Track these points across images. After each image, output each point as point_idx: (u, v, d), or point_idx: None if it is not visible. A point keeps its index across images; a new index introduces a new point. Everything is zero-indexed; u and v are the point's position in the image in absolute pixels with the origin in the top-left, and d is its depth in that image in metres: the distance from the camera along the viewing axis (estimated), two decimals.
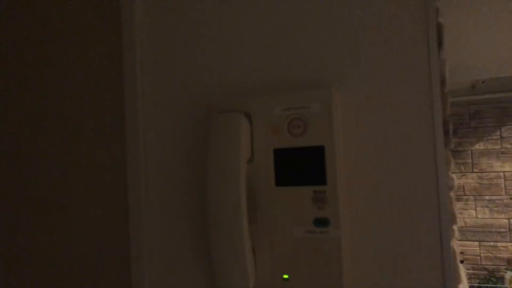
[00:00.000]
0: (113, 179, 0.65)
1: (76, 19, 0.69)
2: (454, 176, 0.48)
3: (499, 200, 2.97)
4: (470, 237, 3.02)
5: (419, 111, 0.49)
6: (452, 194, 0.47)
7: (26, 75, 0.72)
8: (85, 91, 0.68)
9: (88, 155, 0.67)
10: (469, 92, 2.86)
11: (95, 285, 0.66)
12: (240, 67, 0.58)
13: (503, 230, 2.96)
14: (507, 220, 2.95)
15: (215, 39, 0.59)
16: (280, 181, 0.51)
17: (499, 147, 2.98)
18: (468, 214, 3.04)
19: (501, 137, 2.98)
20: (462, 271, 0.49)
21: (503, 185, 2.97)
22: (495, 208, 2.98)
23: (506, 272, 2.86)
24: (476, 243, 3.02)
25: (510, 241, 2.94)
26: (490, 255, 2.99)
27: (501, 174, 2.97)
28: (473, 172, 3.04)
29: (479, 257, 3.01)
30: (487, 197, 3.00)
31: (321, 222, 0.49)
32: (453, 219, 0.47)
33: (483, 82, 2.68)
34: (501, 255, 2.96)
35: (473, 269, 3.00)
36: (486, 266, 2.99)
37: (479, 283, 2.89)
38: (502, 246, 2.96)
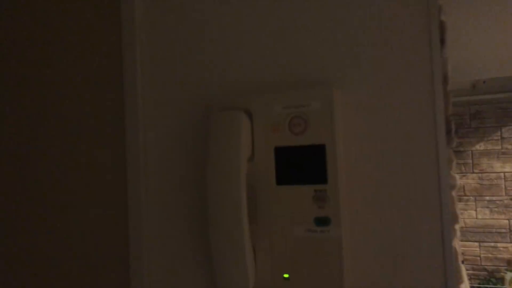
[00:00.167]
0: (113, 179, 0.65)
1: (76, 19, 0.69)
2: (456, 175, 0.48)
3: (500, 200, 2.97)
4: (470, 237, 3.01)
5: (421, 110, 0.49)
6: (454, 193, 0.47)
7: (26, 75, 0.72)
8: (85, 91, 0.67)
9: (88, 155, 0.67)
10: (469, 92, 2.86)
11: (94, 285, 0.66)
12: (240, 66, 0.58)
13: (503, 230, 2.95)
14: (507, 221, 2.94)
15: (216, 38, 0.59)
16: (281, 180, 0.51)
17: (499, 147, 2.98)
18: (468, 215, 3.03)
19: (502, 138, 2.98)
20: (464, 271, 0.49)
21: (503, 186, 2.96)
22: (495, 209, 2.98)
23: (506, 273, 2.85)
24: (476, 243, 3.01)
25: (510, 242, 2.93)
26: (490, 255, 2.98)
27: (502, 174, 2.97)
28: (473, 172, 3.04)
29: (479, 258, 3.01)
30: (487, 198, 3.00)
31: (322, 221, 0.49)
32: (454, 219, 0.47)
33: (484, 82, 2.68)
34: (501, 256, 2.95)
35: (473, 269, 2.99)
36: (486, 267, 2.99)
37: (478, 283, 2.88)
38: (502, 247, 2.95)
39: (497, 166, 2.98)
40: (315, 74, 0.54)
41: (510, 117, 2.96)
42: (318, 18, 0.54)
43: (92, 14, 0.68)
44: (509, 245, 2.93)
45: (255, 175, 0.52)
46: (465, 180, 3.03)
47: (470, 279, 2.95)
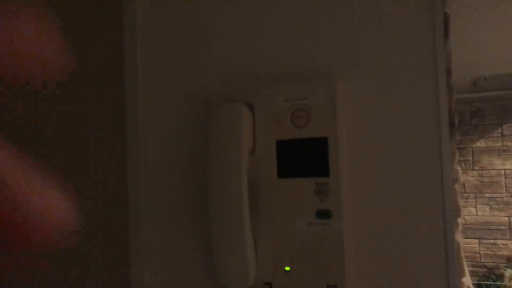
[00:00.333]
0: (114, 177, 0.64)
1: (77, 19, 0.68)
2: (459, 168, 0.47)
3: (500, 198, 2.97)
4: (470, 234, 3.02)
5: (425, 103, 0.48)
6: (456, 186, 0.47)
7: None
8: (86, 91, 0.67)
9: (89, 154, 0.66)
10: (470, 90, 2.86)
11: (95, 285, 0.65)
12: (242, 58, 0.57)
13: (503, 228, 2.96)
14: (507, 218, 2.95)
15: (217, 30, 0.59)
16: (283, 172, 0.51)
17: (500, 144, 2.98)
18: (468, 212, 3.04)
19: (502, 135, 2.97)
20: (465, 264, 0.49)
21: (503, 183, 2.96)
22: (495, 206, 2.98)
23: (505, 270, 2.86)
24: (476, 240, 3.02)
25: (510, 239, 2.94)
26: (489, 252, 2.99)
27: (502, 172, 2.97)
28: (473, 169, 3.04)
29: (478, 255, 3.01)
30: (487, 195, 3.00)
31: (323, 214, 0.48)
32: (457, 212, 0.47)
33: (485, 79, 2.68)
34: (500, 253, 2.96)
35: (473, 266, 3.00)
36: (486, 264, 2.99)
37: (478, 280, 2.89)
38: (502, 244, 2.95)
39: (498, 163, 2.98)
40: (317, 66, 0.54)
41: (510, 115, 2.96)
42: (321, 10, 0.54)
43: (93, 13, 0.67)
44: (509, 242, 2.93)
45: (257, 168, 0.52)
46: (465, 177, 3.03)
47: (470, 276, 2.95)
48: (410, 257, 0.48)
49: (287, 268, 0.50)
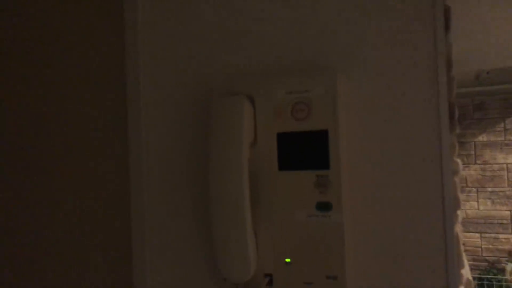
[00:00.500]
0: (116, 177, 0.65)
1: (77, 18, 0.68)
2: (459, 160, 0.47)
3: (502, 192, 2.97)
4: (472, 228, 3.02)
5: (425, 94, 0.48)
6: (456, 178, 0.47)
7: (27, 75, 0.71)
8: (86, 91, 0.67)
9: (89, 153, 0.67)
10: (473, 83, 2.85)
11: (97, 284, 0.66)
12: (243, 51, 0.57)
13: (504, 222, 2.96)
14: (509, 212, 2.95)
15: (218, 22, 0.59)
16: (283, 165, 0.51)
17: (502, 138, 2.97)
18: (470, 206, 3.04)
19: (505, 129, 2.97)
20: (464, 256, 0.49)
21: (505, 177, 2.96)
22: (497, 200, 2.98)
23: (507, 264, 2.87)
24: (478, 234, 3.02)
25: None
26: (491, 246, 2.99)
27: (504, 166, 2.96)
28: (475, 163, 3.03)
29: (480, 249, 3.02)
30: (489, 189, 3.00)
31: (324, 206, 0.49)
32: (457, 204, 0.47)
33: (487, 73, 2.67)
34: (502, 247, 2.96)
35: (474, 260, 3.01)
36: (487, 258, 3.00)
37: (479, 274, 2.90)
38: (504, 238, 2.96)
39: (500, 157, 2.97)
40: (318, 59, 0.54)
41: None
42: (321, 3, 0.53)
43: (94, 13, 0.67)
44: (510, 236, 2.94)
45: (257, 161, 0.52)
46: (467, 171, 3.03)
47: (470, 269, 2.96)
48: (410, 248, 0.49)
49: (287, 260, 0.50)
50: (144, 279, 0.61)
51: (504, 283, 2.77)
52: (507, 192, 2.95)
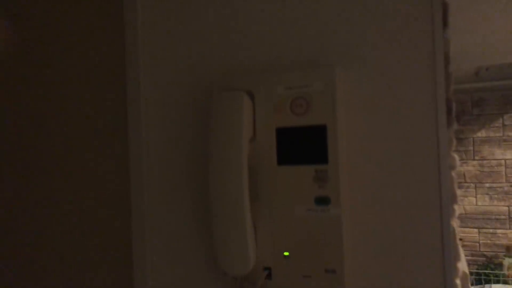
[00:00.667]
0: (116, 177, 0.65)
1: (77, 19, 0.68)
2: (456, 155, 0.48)
3: (500, 187, 2.98)
4: (470, 224, 3.04)
5: (422, 90, 0.49)
6: (453, 173, 0.48)
7: (27, 75, 0.71)
8: (86, 91, 0.67)
9: (90, 152, 0.67)
10: (472, 79, 2.85)
11: (98, 284, 0.66)
12: (243, 47, 0.57)
13: (502, 217, 2.97)
14: (507, 208, 2.96)
15: (217, 20, 0.59)
16: (282, 160, 0.51)
17: (501, 134, 2.98)
18: (468, 201, 3.05)
19: (504, 125, 2.98)
20: (462, 250, 0.49)
21: (503, 173, 2.97)
22: (495, 196, 2.99)
23: (504, 259, 2.88)
24: (476, 230, 3.04)
25: (510, 228, 2.95)
26: (489, 242, 3.01)
27: (502, 161, 2.97)
28: (474, 159, 3.04)
29: (478, 244, 3.03)
30: (487, 185, 3.01)
31: (322, 201, 0.49)
32: (454, 198, 0.47)
33: (486, 69, 2.67)
34: (500, 242, 2.98)
35: (472, 255, 3.02)
36: (485, 253, 3.02)
37: (477, 269, 2.91)
38: (501, 233, 2.97)
39: (498, 153, 2.98)
40: (316, 55, 0.54)
41: None
42: (321, 2, 0.54)
43: (93, 13, 0.67)
44: (508, 231, 2.95)
45: (257, 156, 0.52)
46: (466, 167, 3.04)
47: (468, 264, 2.98)
48: (407, 241, 0.49)
49: (286, 253, 0.51)
50: (144, 279, 0.61)
51: (501, 278, 2.79)
52: (505, 188, 2.97)
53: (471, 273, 2.90)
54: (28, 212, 0.71)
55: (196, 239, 0.59)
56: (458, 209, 0.49)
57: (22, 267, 0.71)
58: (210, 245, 0.58)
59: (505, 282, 2.74)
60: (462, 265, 0.49)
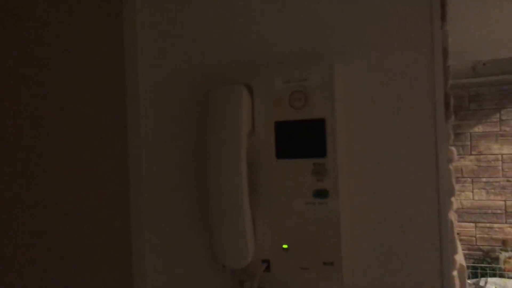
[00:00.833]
0: (115, 177, 0.65)
1: (77, 19, 0.68)
2: (453, 148, 0.48)
3: (496, 182, 3.00)
4: (467, 218, 3.05)
5: (420, 83, 0.49)
6: (451, 166, 0.48)
7: (27, 75, 0.71)
8: (86, 91, 0.67)
9: (89, 152, 0.67)
10: (469, 75, 2.86)
11: (97, 283, 0.66)
12: (241, 40, 0.57)
13: (499, 211, 2.99)
14: (503, 202, 2.98)
15: (215, 13, 0.59)
16: (281, 153, 0.51)
17: (498, 129, 2.99)
18: (465, 196, 3.07)
19: (501, 120, 2.99)
20: (459, 243, 0.50)
21: (500, 168, 2.98)
22: (492, 190, 3.01)
23: (500, 253, 2.90)
24: (472, 224, 3.06)
25: (506, 223, 2.97)
26: (485, 236, 3.03)
27: (499, 156, 2.99)
28: (471, 154, 3.06)
29: (474, 238, 3.05)
30: (484, 179, 3.02)
31: (321, 194, 0.49)
32: (451, 191, 0.48)
33: (484, 64, 2.67)
34: (496, 236, 3.00)
35: (468, 249, 3.05)
36: (481, 247, 3.04)
37: (473, 263, 2.94)
38: (498, 228, 2.99)
39: (495, 148, 2.99)
40: (315, 48, 0.54)
41: (509, 100, 2.96)
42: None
43: (93, 12, 0.67)
44: (504, 225, 2.97)
45: (255, 149, 0.52)
46: (463, 162, 3.05)
47: (465, 258, 3.00)
48: (405, 234, 0.49)
49: (284, 246, 0.51)
50: (144, 279, 0.62)
51: (498, 272, 2.81)
52: (502, 183, 2.98)
53: (467, 267, 2.92)
54: (28, 212, 0.71)
55: (196, 239, 0.60)
56: (455, 203, 0.49)
57: (22, 267, 0.71)
58: (209, 245, 0.58)
59: (501, 276, 2.77)
60: (460, 258, 0.49)
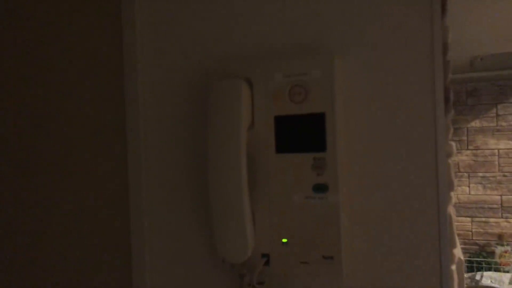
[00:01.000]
0: (115, 177, 0.65)
1: (76, 19, 0.68)
2: (453, 143, 0.48)
3: (493, 177, 3.01)
4: (463, 212, 3.07)
5: (420, 77, 0.49)
6: (450, 161, 0.48)
7: (27, 75, 0.71)
8: (85, 91, 0.67)
9: (89, 154, 0.67)
10: (467, 70, 2.86)
11: (97, 283, 0.66)
12: (241, 35, 0.57)
13: (495, 206, 3.01)
14: (499, 197, 2.99)
15: (216, 7, 0.58)
16: (280, 148, 0.51)
17: (494, 124, 3.00)
18: (462, 191, 3.08)
19: (497, 115, 2.99)
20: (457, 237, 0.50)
21: (497, 162, 3.00)
22: (488, 185, 3.02)
23: (496, 247, 2.92)
24: (469, 218, 3.07)
25: (502, 217, 2.99)
26: (481, 230, 3.05)
27: (496, 151, 3.00)
28: (467, 149, 3.07)
29: (470, 233, 3.07)
30: (480, 174, 3.04)
31: (320, 188, 0.49)
32: (450, 186, 0.48)
33: (481, 59, 2.68)
34: (492, 231, 3.02)
35: (465, 244, 3.06)
36: (478, 241, 3.06)
37: (469, 257, 2.96)
38: (494, 222, 3.01)
39: (492, 143, 3.00)
40: (315, 43, 0.54)
41: (506, 95, 2.97)
42: None
43: (92, 13, 0.66)
44: (500, 220, 2.99)
45: (255, 143, 0.52)
46: (459, 157, 3.06)
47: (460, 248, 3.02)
48: (404, 228, 0.50)
49: (284, 240, 0.51)
50: (144, 279, 0.62)
51: (493, 266, 2.83)
52: (498, 177, 3.00)
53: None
54: (28, 212, 0.71)
55: (195, 238, 0.60)
56: (454, 197, 0.49)
57: (22, 267, 0.71)
58: (209, 245, 0.59)
59: (497, 270, 2.79)
60: (458, 252, 0.50)
